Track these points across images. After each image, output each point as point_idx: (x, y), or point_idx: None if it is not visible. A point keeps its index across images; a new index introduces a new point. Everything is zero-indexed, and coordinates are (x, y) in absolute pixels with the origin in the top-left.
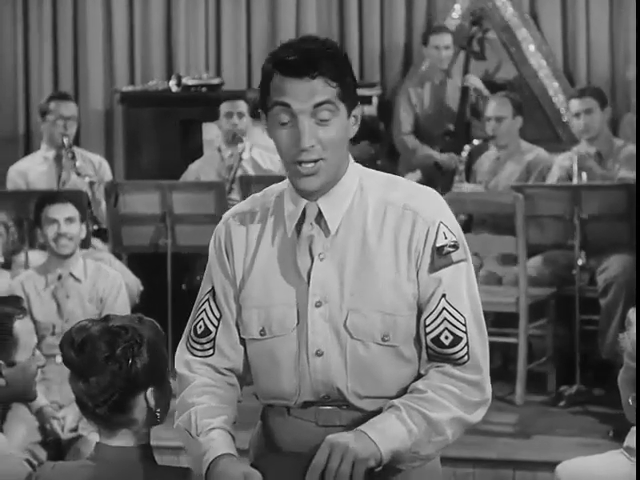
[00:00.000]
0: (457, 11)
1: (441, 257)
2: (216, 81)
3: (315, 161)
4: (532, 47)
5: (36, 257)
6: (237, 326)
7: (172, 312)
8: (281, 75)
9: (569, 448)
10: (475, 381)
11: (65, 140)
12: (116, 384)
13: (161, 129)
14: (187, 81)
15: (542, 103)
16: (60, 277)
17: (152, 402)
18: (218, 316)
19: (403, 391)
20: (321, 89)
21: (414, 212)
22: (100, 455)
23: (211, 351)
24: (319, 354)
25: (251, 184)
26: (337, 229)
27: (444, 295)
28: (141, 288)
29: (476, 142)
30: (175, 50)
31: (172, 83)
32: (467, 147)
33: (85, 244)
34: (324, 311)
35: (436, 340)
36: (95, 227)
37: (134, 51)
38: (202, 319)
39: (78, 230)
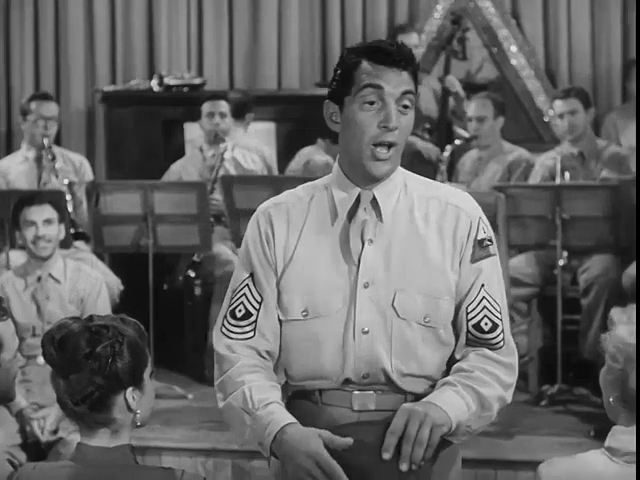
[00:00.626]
0: (439, 11)
1: (481, 249)
2: (198, 81)
3: (390, 146)
4: (514, 47)
5: (17, 257)
6: (274, 309)
7: (153, 312)
8: (374, 63)
9: (551, 447)
10: (510, 364)
11: (45, 141)
12: (96, 382)
13: (143, 129)
14: (169, 81)
15: (524, 103)
16: (40, 278)
17: (131, 402)
18: (259, 300)
19: (440, 372)
20: (408, 81)
21: (457, 207)
22: (81, 455)
23: (251, 333)
24: (365, 332)
25: (233, 184)
26: (388, 217)
27: (483, 285)
28: (122, 288)
29: (458, 142)
30: (157, 50)
31: (154, 83)
32: (449, 147)
33: (66, 244)
34: (371, 292)
35: (477, 326)
36: (73, 231)
37: (116, 50)
38: (242, 303)
39: (57, 231)
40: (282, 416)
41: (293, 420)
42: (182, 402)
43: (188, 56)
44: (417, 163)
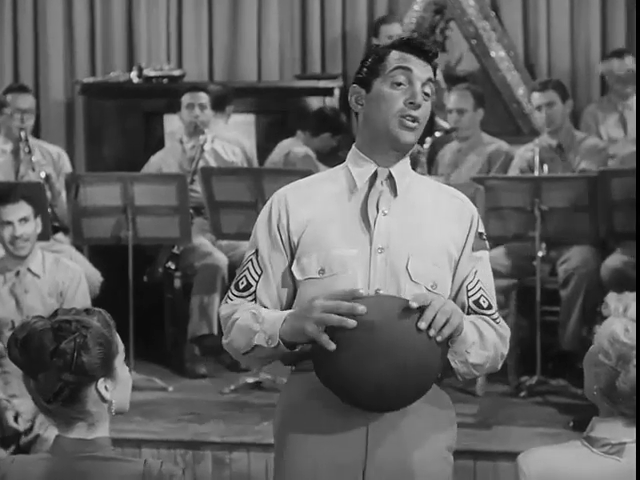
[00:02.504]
0: (418, 3)
1: (481, 241)
2: (177, 72)
3: (414, 120)
4: (493, 39)
5: None
6: (282, 280)
7: (133, 304)
8: (405, 53)
9: (529, 438)
10: (505, 337)
11: (22, 133)
12: (64, 378)
13: (122, 120)
14: (148, 72)
15: (503, 95)
16: (18, 273)
17: (104, 392)
18: (259, 272)
19: None
20: (431, 72)
21: (461, 200)
22: (59, 448)
23: (252, 302)
24: (378, 292)
25: (213, 175)
26: (402, 193)
27: (477, 271)
28: (101, 280)
29: (438, 134)
30: (136, 41)
31: (133, 74)
32: (429, 139)
33: (45, 236)
34: (386, 256)
35: (477, 302)
36: (55, 224)
37: (95, 42)
38: (244, 276)
39: (33, 228)
40: (287, 311)
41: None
42: (162, 394)
43: (167, 48)
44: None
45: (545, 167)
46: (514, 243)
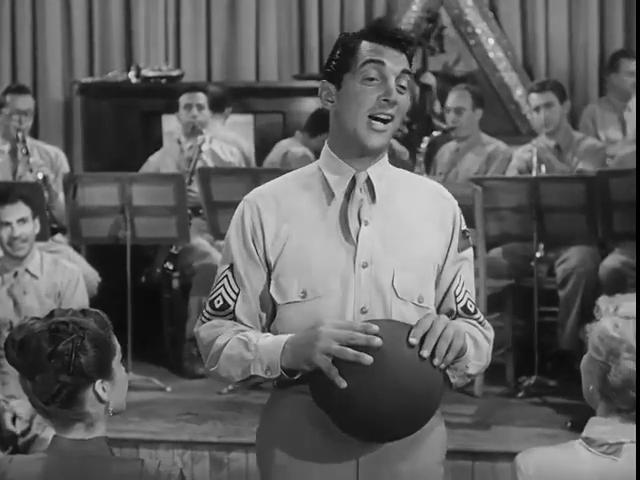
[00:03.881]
0: (417, 4)
1: (465, 239)
2: (176, 73)
3: (387, 121)
4: (491, 40)
5: None
6: (262, 298)
7: (131, 304)
8: (377, 43)
9: (528, 438)
10: (490, 338)
11: (19, 134)
12: (62, 380)
13: (120, 121)
14: (146, 72)
15: (501, 96)
16: (16, 274)
17: (102, 394)
18: (237, 290)
19: None
20: (406, 63)
21: (441, 195)
22: (56, 447)
23: (232, 322)
24: (364, 312)
25: (210, 176)
26: (381, 198)
27: (463, 273)
28: (99, 280)
29: (435, 133)
30: (134, 41)
31: (131, 74)
32: (426, 139)
33: (43, 237)
34: (370, 271)
35: (465, 308)
36: (53, 225)
37: (93, 42)
38: (220, 294)
39: (32, 229)
40: (286, 335)
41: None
42: (160, 394)
43: (166, 48)
44: (393, 163)
45: (543, 168)
46: (512, 243)
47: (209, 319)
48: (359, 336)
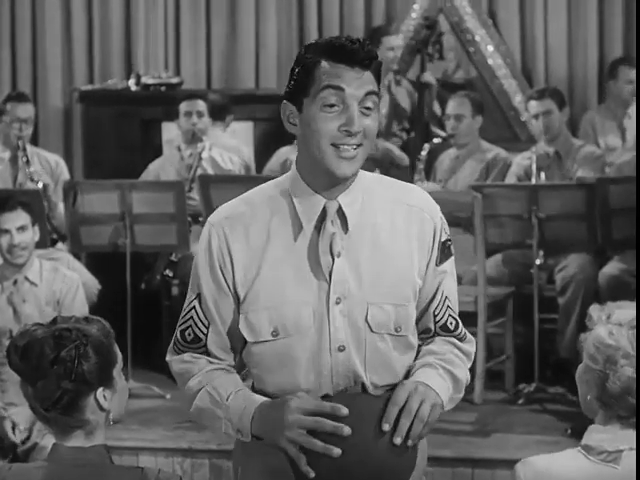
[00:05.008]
0: (416, 11)
1: (445, 251)
2: (175, 80)
3: (357, 147)
4: (490, 47)
5: None
6: (231, 334)
7: (131, 311)
8: (333, 62)
9: (527, 446)
10: (470, 353)
11: (20, 142)
12: (63, 387)
13: (120, 128)
14: (146, 80)
15: (501, 103)
16: (15, 282)
17: (103, 402)
18: (207, 324)
19: (405, 375)
20: (371, 81)
21: (420, 209)
22: (56, 455)
23: (205, 354)
24: (341, 349)
25: (210, 183)
26: (353, 228)
27: (444, 286)
28: (99, 287)
29: (436, 141)
30: (134, 49)
31: (131, 82)
32: (426, 146)
33: (42, 244)
34: (343, 307)
35: (444, 327)
36: (54, 236)
37: (93, 50)
38: (190, 326)
39: (31, 237)
40: (256, 397)
41: (268, 399)
42: (160, 402)
43: (165, 55)
44: (392, 168)
45: (542, 175)
46: (511, 251)
47: (182, 350)
48: (327, 423)
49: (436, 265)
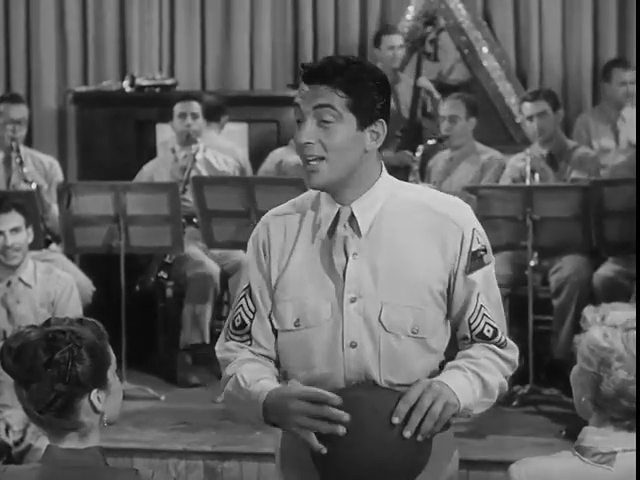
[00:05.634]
0: (411, 12)
1: (476, 260)
2: (170, 81)
3: (318, 159)
4: (485, 49)
5: None
6: (270, 319)
7: (125, 313)
8: (302, 83)
9: (522, 447)
10: (512, 360)
11: (13, 144)
12: (57, 389)
13: (115, 130)
14: (141, 81)
15: (495, 105)
16: (9, 283)
17: (97, 404)
18: (253, 310)
19: (429, 378)
20: (325, 95)
21: (445, 217)
22: (50, 457)
23: (249, 342)
24: (353, 346)
25: (204, 185)
26: (368, 231)
27: (479, 294)
28: (93, 289)
29: (430, 142)
30: (129, 50)
31: (126, 83)
32: (421, 147)
33: (37, 245)
34: (358, 306)
35: (480, 334)
36: (48, 237)
37: (87, 51)
38: (239, 313)
39: (25, 238)
40: (271, 384)
41: (277, 387)
42: (154, 403)
43: (160, 57)
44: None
45: (537, 176)
46: (506, 252)
47: (230, 338)
48: (330, 412)
49: (465, 274)
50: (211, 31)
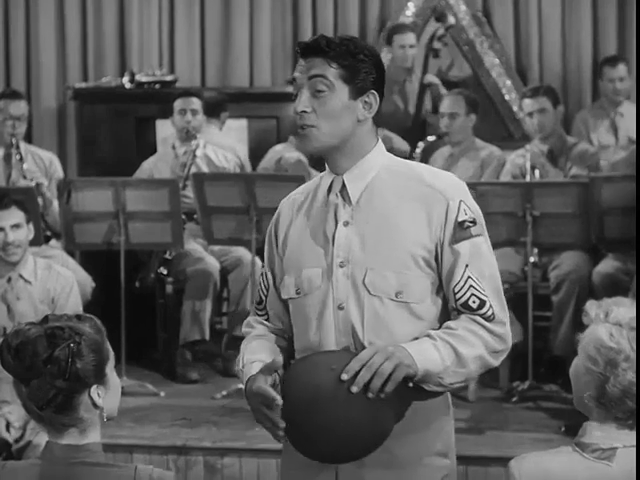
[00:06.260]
0: (410, 9)
1: (462, 231)
2: (170, 78)
3: (309, 126)
4: (485, 45)
5: None
6: (280, 291)
7: (125, 309)
8: (299, 58)
9: (521, 443)
10: (499, 333)
11: (13, 140)
12: (57, 385)
13: (114, 126)
14: (140, 78)
15: (495, 101)
16: (10, 279)
17: (97, 399)
18: (267, 286)
19: None
20: (319, 66)
21: (433, 188)
22: (50, 453)
23: (265, 317)
24: (341, 308)
25: (205, 181)
26: (358, 200)
27: (467, 265)
28: (93, 285)
29: (430, 138)
30: (128, 46)
31: (125, 80)
32: (421, 143)
33: (37, 241)
34: (346, 270)
35: (465, 305)
36: (48, 233)
37: (87, 47)
38: (259, 290)
39: (25, 235)
40: (254, 370)
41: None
42: (154, 400)
43: (160, 53)
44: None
45: (536, 173)
46: (505, 249)
47: (255, 313)
48: (267, 416)
49: (451, 244)
50: (211, 27)
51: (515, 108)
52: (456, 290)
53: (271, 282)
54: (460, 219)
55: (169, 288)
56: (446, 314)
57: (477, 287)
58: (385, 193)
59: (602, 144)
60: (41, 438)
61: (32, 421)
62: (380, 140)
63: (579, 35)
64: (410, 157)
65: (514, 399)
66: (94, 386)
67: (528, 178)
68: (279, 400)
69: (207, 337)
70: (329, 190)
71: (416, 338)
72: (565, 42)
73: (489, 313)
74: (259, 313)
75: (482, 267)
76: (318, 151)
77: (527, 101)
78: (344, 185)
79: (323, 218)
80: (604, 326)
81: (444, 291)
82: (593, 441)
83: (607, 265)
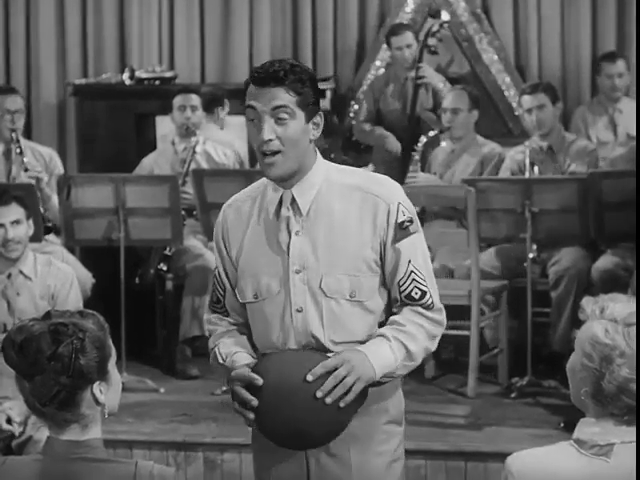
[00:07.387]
0: (409, 5)
1: (402, 230)
2: (169, 74)
3: (274, 153)
4: (484, 42)
5: None
6: (236, 294)
7: (125, 305)
8: (253, 84)
9: (520, 439)
10: (438, 320)
11: (13, 135)
12: (61, 382)
13: (114, 122)
14: (140, 74)
15: (494, 98)
16: (10, 275)
17: (99, 396)
18: (223, 288)
19: (369, 334)
20: (280, 96)
21: (374, 195)
22: (51, 449)
23: (226, 313)
24: (299, 310)
25: (204, 177)
26: (308, 211)
27: (410, 261)
28: (93, 281)
29: (432, 133)
30: (128, 43)
31: (125, 76)
32: (423, 138)
33: (37, 237)
34: (303, 276)
35: (409, 296)
36: (49, 224)
37: (87, 43)
38: (215, 290)
39: (25, 231)
40: (239, 359)
41: (246, 361)
42: (153, 395)
43: (159, 49)
44: (389, 164)
45: (536, 169)
46: (505, 245)
47: (213, 310)
48: (241, 394)
49: (393, 243)
50: (211, 24)
51: (514, 105)
52: (401, 284)
53: (227, 284)
54: (399, 220)
55: (169, 284)
56: (389, 304)
57: (419, 279)
58: (331, 203)
59: (601, 140)
60: (42, 433)
61: (33, 416)
62: (319, 152)
63: (578, 32)
64: (408, 154)
65: (513, 395)
66: (97, 382)
67: (527, 174)
68: (260, 381)
69: (207, 333)
70: (279, 204)
71: (369, 332)
72: (564, 39)
73: (429, 302)
74: (219, 311)
75: (421, 260)
76: (282, 177)
77: (526, 98)
78: (294, 199)
79: (276, 229)
80: (599, 322)
81: (387, 285)
82: (590, 437)
83: (606, 261)
